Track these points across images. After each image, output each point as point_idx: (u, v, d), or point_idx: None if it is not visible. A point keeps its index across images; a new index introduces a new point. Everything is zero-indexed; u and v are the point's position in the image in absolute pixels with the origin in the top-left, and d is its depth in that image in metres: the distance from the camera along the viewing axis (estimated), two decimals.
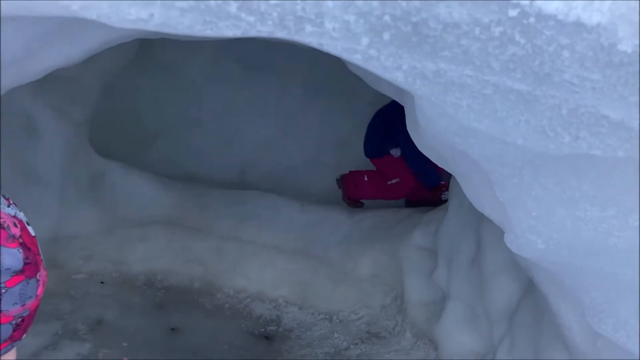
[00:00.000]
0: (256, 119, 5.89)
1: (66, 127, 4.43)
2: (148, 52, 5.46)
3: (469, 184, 1.64)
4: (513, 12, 1.11)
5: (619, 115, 1.15)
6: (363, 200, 5.31)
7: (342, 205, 5.26)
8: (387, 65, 1.21)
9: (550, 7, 1.09)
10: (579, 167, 1.27)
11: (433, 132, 1.42)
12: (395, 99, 2.21)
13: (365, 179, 5.14)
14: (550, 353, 2.54)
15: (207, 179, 5.62)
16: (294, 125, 5.90)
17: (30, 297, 0.99)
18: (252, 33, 1.21)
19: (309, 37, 1.19)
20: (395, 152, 5.02)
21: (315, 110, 5.87)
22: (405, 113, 1.93)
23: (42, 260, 1.03)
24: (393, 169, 4.97)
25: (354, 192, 5.23)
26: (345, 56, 1.22)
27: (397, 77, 1.23)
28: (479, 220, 3.44)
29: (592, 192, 1.27)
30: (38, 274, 1.00)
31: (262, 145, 5.91)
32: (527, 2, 1.10)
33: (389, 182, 5.03)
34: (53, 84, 4.39)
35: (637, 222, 1.31)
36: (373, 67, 1.22)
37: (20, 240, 0.97)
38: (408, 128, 1.94)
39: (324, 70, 5.72)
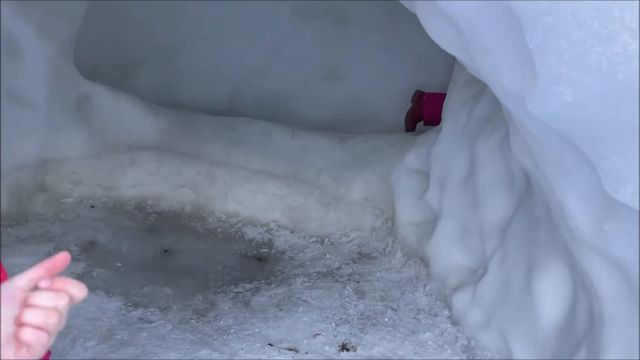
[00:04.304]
0: (246, 44, 5.75)
1: (50, 46, 4.28)
2: None
3: (486, 53, 1.59)
4: None
5: None
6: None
7: (333, 131, 5.22)
8: None
9: None
10: None
11: None
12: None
13: None
14: (544, 262, 2.59)
15: (195, 105, 5.53)
16: (285, 50, 5.78)
17: None
18: None
19: None
20: None
21: (307, 34, 5.74)
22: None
23: None
24: None
25: (430, 114, 4.97)
26: None
27: None
28: (473, 139, 3.43)
29: (634, 23, 1.21)
30: None
31: (251, 71, 5.80)
32: None
33: None
34: (34, 1, 4.21)
35: None
36: None
37: None
38: (422, 21, 1.87)
39: None
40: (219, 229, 4.58)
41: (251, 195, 4.76)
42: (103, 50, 5.38)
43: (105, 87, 4.81)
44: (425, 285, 3.60)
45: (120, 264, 3.90)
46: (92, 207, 4.56)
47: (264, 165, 4.88)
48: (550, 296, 2.49)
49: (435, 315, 3.35)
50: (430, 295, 3.52)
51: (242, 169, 4.86)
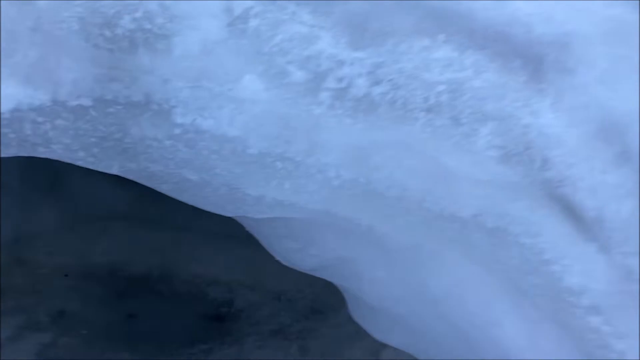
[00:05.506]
0: None
1: None
2: None
3: None
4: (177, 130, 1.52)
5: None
6: None
7: None
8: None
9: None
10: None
11: None
12: None
13: None
14: None
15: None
16: None
17: None
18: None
19: (40, 154, 1.62)
20: None
21: None
22: None
23: None
24: None
25: None
26: (70, 161, 1.57)
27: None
28: None
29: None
30: None
31: None
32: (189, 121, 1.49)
33: None
34: None
35: None
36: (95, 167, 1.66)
37: None
38: None
39: None
40: (183, 291, 4.89)
41: (214, 257, 5.08)
42: None
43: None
44: (362, 339, 3.86)
45: (85, 332, 4.22)
46: (66, 275, 4.89)
47: (227, 228, 5.17)
48: None
49: None
50: (365, 348, 3.79)
51: (206, 232, 5.19)
